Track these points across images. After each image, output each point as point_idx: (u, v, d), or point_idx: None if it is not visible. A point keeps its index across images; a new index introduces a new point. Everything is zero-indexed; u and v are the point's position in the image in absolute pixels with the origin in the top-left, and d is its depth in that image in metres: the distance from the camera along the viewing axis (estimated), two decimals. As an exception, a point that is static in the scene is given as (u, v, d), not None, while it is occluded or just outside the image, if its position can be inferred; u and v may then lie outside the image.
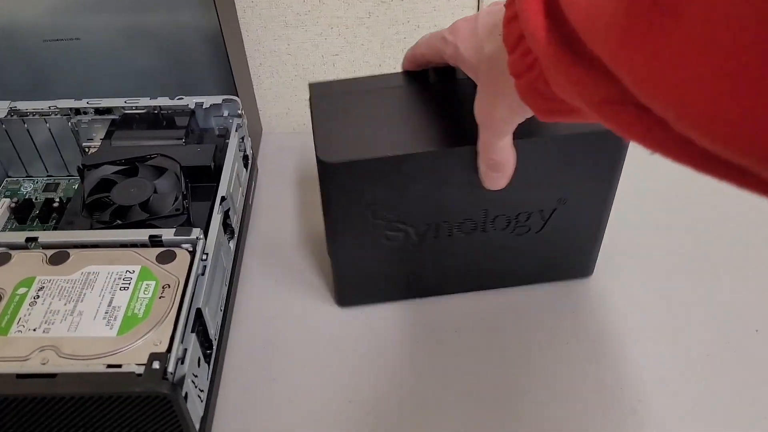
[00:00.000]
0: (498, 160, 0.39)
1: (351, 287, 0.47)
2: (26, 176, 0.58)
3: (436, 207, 0.42)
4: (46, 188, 0.57)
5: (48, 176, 0.58)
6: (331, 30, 0.58)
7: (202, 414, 0.40)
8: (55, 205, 0.55)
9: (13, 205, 0.55)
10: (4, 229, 0.53)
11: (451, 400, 0.43)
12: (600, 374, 0.44)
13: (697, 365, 0.44)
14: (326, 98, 0.42)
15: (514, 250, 0.45)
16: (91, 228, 0.47)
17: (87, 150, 0.56)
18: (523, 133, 0.37)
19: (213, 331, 0.43)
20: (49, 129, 0.55)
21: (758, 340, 0.46)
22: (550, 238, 0.45)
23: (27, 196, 0.56)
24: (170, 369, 0.36)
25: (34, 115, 0.54)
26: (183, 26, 0.56)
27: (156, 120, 0.54)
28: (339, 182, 0.40)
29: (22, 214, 0.54)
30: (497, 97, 0.36)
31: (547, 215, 0.43)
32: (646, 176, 0.54)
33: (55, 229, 0.53)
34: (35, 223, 0.54)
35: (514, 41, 0.30)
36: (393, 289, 0.47)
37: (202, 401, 0.40)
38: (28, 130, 0.55)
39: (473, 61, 0.37)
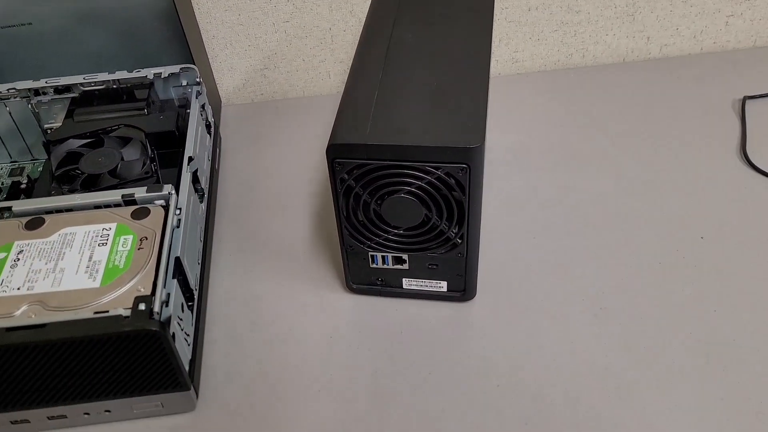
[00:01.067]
0: None
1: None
2: (-11, 163, 0.59)
3: None
4: (11, 173, 0.58)
5: (12, 161, 0.59)
6: (280, -3, 0.60)
7: (190, 357, 0.42)
8: (23, 186, 0.56)
9: (-21, 190, 0.56)
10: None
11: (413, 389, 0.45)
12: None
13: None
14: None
15: None
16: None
17: (49, 131, 0.57)
18: None
19: (193, 282, 0.45)
20: (10, 113, 0.55)
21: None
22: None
23: (-9, 181, 0.57)
24: (156, 309, 0.37)
25: (-9, 99, 0.55)
26: (134, 4, 0.58)
27: (116, 94, 0.55)
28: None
29: (-11, 198, 0.55)
30: None
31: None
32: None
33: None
34: (3, 206, 0.55)
35: None
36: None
37: (189, 345, 0.42)
38: (-13, 116, 0.55)
39: None
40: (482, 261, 0.47)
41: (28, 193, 0.55)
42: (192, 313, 0.44)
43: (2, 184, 0.57)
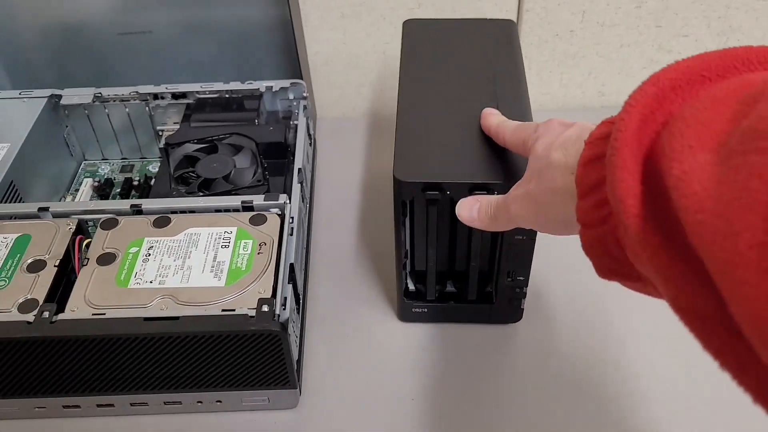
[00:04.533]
0: (495, 226, 0.37)
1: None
2: (102, 159, 0.63)
3: None
4: (122, 170, 0.62)
5: (123, 158, 0.63)
6: (384, 20, 0.63)
7: (296, 357, 0.45)
8: (135, 183, 0.60)
9: (96, 184, 0.60)
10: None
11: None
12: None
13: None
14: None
15: None
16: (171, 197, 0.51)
17: (161, 133, 0.61)
18: None
19: (300, 286, 0.48)
20: (128, 113, 0.59)
21: None
22: None
23: (106, 177, 0.61)
24: (277, 311, 0.41)
25: (115, 101, 0.59)
26: (247, 18, 0.61)
27: (227, 103, 0.59)
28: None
29: (104, 192, 0.59)
30: (541, 210, 0.32)
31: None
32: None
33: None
34: (116, 199, 0.59)
35: (589, 186, 0.26)
36: None
37: (296, 346, 0.45)
38: (108, 115, 0.59)
39: (537, 164, 0.33)
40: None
41: (141, 190, 0.59)
42: (299, 315, 0.47)
43: (115, 179, 0.61)
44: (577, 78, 0.67)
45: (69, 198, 0.59)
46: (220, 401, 0.44)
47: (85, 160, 0.63)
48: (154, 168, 0.62)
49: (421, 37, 0.52)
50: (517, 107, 0.45)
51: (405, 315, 0.50)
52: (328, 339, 0.49)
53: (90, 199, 0.59)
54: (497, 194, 0.39)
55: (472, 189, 0.40)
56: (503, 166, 0.41)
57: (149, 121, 0.60)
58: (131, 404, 0.44)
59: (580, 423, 0.44)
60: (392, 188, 0.42)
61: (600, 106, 0.69)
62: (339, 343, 0.49)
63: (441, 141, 0.43)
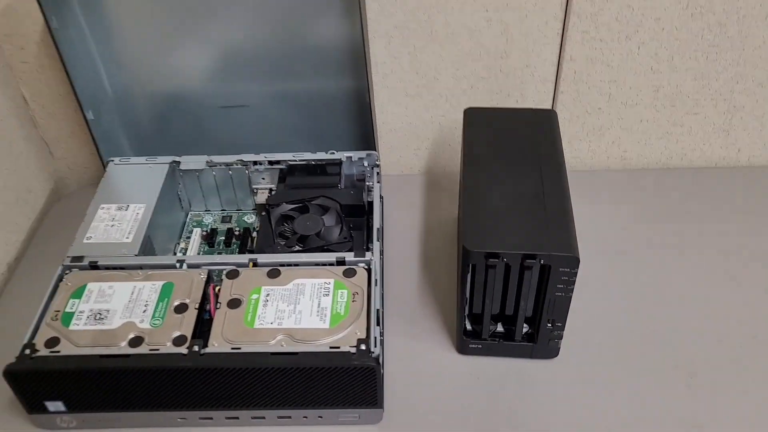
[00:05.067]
0: None
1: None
2: (205, 210, 0.75)
3: None
4: (223, 220, 0.74)
5: (222, 210, 0.75)
6: (440, 98, 0.75)
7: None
8: (236, 233, 0.72)
9: (203, 233, 0.72)
10: (199, 252, 0.70)
11: None
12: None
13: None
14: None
15: None
16: (277, 252, 0.64)
17: (255, 191, 0.73)
18: None
19: (381, 327, 0.60)
20: (231, 175, 0.72)
21: None
22: None
23: (210, 227, 0.73)
24: (372, 350, 0.53)
25: (221, 166, 0.71)
26: (327, 91, 0.73)
27: (313, 168, 0.71)
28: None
29: (210, 240, 0.72)
30: None
31: None
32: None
33: (240, 252, 0.70)
34: (221, 247, 0.71)
35: None
36: None
37: (381, 378, 0.57)
38: (215, 177, 0.72)
39: None
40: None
41: (243, 240, 0.71)
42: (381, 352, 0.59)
43: (218, 228, 0.73)
44: (603, 146, 0.79)
45: (182, 244, 0.71)
46: (321, 417, 0.56)
47: (191, 210, 0.75)
48: (248, 218, 0.74)
49: (479, 123, 0.64)
50: (557, 184, 0.57)
51: (463, 349, 0.62)
52: (401, 367, 0.61)
53: (200, 246, 0.71)
54: (542, 264, 0.51)
55: (524, 258, 0.53)
56: (548, 240, 0.53)
57: (247, 181, 0.73)
58: (252, 417, 0.57)
59: (605, 441, 0.55)
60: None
61: (622, 169, 0.81)
62: (410, 371, 0.61)
63: (499, 217, 0.55)
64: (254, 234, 0.71)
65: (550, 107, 0.76)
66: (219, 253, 0.70)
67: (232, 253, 0.70)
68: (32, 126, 0.77)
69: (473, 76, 0.74)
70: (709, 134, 0.78)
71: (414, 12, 0.69)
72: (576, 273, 0.53)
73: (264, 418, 0.56)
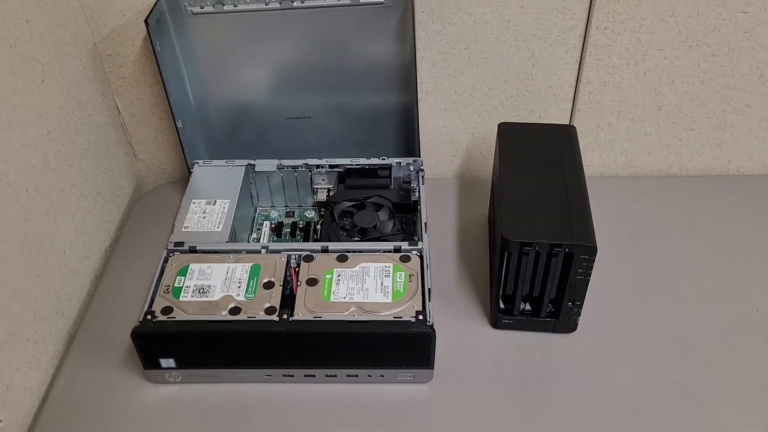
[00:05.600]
0: None
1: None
2: (270, 206, 0.88)
3: None
4: (287, 215, 0.87)
5: (285, 206, 0.88)
6: (474, 113, 0.88)
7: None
8: (301, 226, 0.84)
9: (272, 225, 0.85)
10: (269, 241, 0.82)
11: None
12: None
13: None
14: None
15: None
16: (342, 240, 0.76)
17: (316, 190, 0.86)
18: None
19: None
20: (296, 177, 0.85)
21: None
22: None
23: (277, 220, 0.86)
24: (428, 319, 0.65)
25: (288, 168, 0.84)
26: (378, 105, 0.86)
27: (367, 171, 0.84)
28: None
29: (278, 232, 0.84)
30: None
31: None
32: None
33: (304, 241, 0.82)
34: (287, 237, 0.84)
35: None
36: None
37: (435, 343, 0.69)
38: (282, 177, 0.84)
39: None
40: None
41: (305, 231, 0.83)
42: (430, 322, 0.72)
43: (283, 222, 0.86)
44: (612, 155, 0.92)
45: (254, 235, 0.84)
46: (382, 375, 0.69)
47: (260, 206, 0.88)
48: (309, 214, 0.86)
49: (511, 135, 0.77)
50: (577, 186, 0.70)
51: (497, 324, 0.74)
52: (446, 338, 0.73)
53: (269, 236, 0.83)
54: (566, 252, 0.64)
55: (552, 247, 0.65)
56: (571, 232, 0.65)
57: (309, 181, 0.85)
58: (326, 375, 0.69)
59: (612, 401, 0.68)
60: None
61: (629, 176, 0.93)
62: (453, 341, 0.73)
63: (530, 212, 0.68)
64: (318, 227, 0.83)
65: (568, 122, 0.89)
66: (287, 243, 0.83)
67: (297, 242, 0.82)
68: (123, 132, 0.89)
69: (503, 94, 0.86)
70: (703, 147, 0.90)
71: (456, 41, 0.81)
72: (594, 260, 0.65)
73: (336, 376, 0.69)
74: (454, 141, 0.91)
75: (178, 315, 0.66)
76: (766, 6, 0.77)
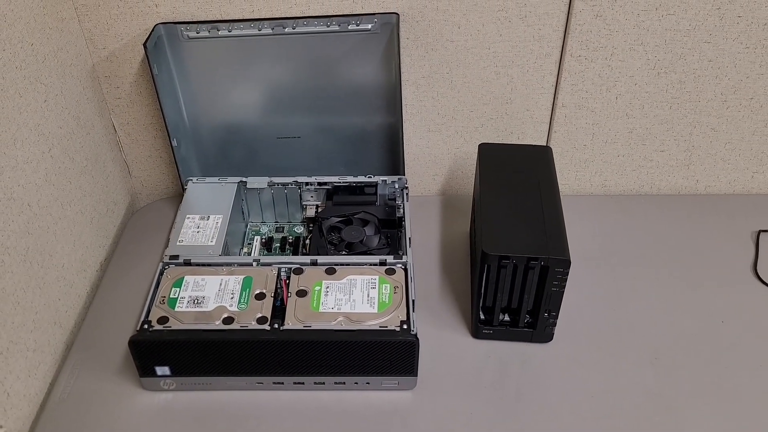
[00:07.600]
0: None
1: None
2: (261, 221, 0.91)
3: None
4: (276, 230, 0.90)
5: (275, 222, 0.91)
6: (456, 134, 0.92)
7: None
8: (290, 241, 0.88)
9: (263, 240, 0.88)
10: (259, 254, 0.86)
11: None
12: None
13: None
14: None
15: None
16: (330, 254, 0.80)
17: (305, 207, 0.89)
18: None
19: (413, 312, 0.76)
20: (286, 194, 0.88)
21: (722, 327, 0.79)
22: None
23: (267, 235, 0.89)
24: (412, 329, 0.69)
25: (278, 186, 0.87)
26: (363, 125, 0.90)
27: (353, 189, 0.88)
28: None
29: (269, 246, 0.87)
30: None
31: None
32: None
33: (294, 254, 0.86)
34: (277, 252, 0.87)
35: None
36: None
37: (418, 351, 0.73)
38: (272, 194, 0.88)
39: None
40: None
41: (294, 246, 0.87)
42: (413, 332, 0.75)
43: (273, 237, 0.89)
44: (587, 175, 0.96)
45: (245, 249, 0.87)
46: (368, 383, 0.72)
47: (250, 222, 0.91)
48: (298, 229, 0.90)
49: (490, 155, 0.81)
50: (553, 204, 0.74)
51: (477, 334, 0.78)
52: (428, 348, 0.77)
53: (260, 250, 0.87)
54: (542, 265, 0.68)
55: (528, 260, 0.69)
56: (547, 246, 0.69)
57: (298, 198, 0.89)
58: (315, 383, 0.72)
59: (586, 407, 0.71)
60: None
61: (603, 194, 0.98)
62: (435, 351, 0.77)
63: (508, 228, 0.72)
64: (307, 242, 0.87)
65: (545, 143, 0.94)
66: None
67: (287, 255, 0.86)
68: (119, 150, 0.92)
69: (483, 117, 0.91)
70: (673, 168, 0.96)
71: (439, 66, 0.86)
72: (568, 273, 0.70)
73: (324, 383, 0.72)
74: (437, 160, 0.96)
75: (174, 324, 0.69)
76: (727, 37, 0.83)
